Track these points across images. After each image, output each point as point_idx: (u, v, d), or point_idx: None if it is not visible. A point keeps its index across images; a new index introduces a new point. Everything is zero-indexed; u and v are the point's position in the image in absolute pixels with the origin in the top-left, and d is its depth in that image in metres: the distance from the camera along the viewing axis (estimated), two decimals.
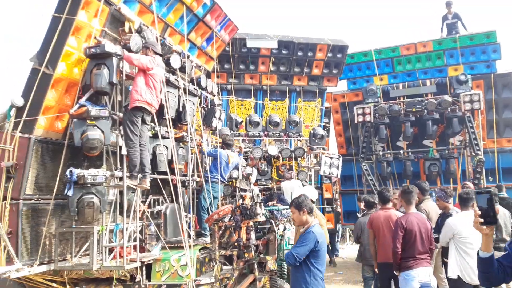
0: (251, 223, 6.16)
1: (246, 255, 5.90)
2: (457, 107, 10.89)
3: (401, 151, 11.79)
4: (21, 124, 5.23)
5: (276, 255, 6.53)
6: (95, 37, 5.58)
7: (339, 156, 9.97)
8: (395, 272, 5.31)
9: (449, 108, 10.96)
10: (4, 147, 5.19)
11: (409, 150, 11.70)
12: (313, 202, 5.98)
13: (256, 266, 5.73)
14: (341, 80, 12.40)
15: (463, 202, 5.22)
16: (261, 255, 6.09)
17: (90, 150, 5.28)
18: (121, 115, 5.82)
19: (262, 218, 6.26)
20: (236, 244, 6.08)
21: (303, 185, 8.96)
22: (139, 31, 6.15)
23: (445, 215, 5.87)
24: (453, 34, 11.86)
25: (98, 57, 5.49)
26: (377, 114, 11.44)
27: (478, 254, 2.44)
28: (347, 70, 12.47)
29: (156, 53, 5.83)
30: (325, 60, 11.01)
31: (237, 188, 8.01)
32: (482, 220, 2.33)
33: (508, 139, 11.50)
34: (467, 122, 10.82)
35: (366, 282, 7.13)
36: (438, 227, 5.85)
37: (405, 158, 11.55)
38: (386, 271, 5.72)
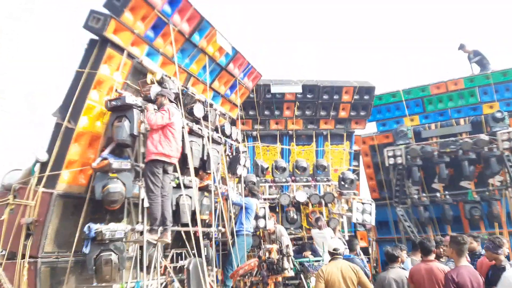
0: (279, 279, 5.78)
1: None
2: (494, 146, 10.26)
3: (438, 194, 11.09)
4: (44, 179, 5.21)
5: None
6: (116, 90, 5.61)
7: (372, 202, 9.44)
8: None
9: (486, 148, 10.35)
10: (26, 203, 5.15)
11: (446, 192, 11.00)
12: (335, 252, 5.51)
13: None
14: (369, 122, 12.05)
15: None
16: None
17: (111, 203, 5.17)
18: (144, 166, 5.72)
19: (291, 273, 5.87)
20: None
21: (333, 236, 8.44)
22: (161, 82, 6.17)
23: (496, 267, 5.30)
24: (485, 70, 11.44)
25: (119, 110, 5.51)
26: (409, 156, 10.94)
27: None
28: (375, 111, 12.12)
29: (171, 101, 5.79)
30: (351, 102, 10.78)
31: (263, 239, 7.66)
32: None
33: None
34: (506, 161, 10.15)
35: None
36: (489, 281, 5.28)
37: (443, 202, 10.84)
38: None
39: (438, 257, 5.97)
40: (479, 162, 10.71)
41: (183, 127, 5.99)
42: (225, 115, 8.42)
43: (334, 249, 5.50)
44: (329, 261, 5.58)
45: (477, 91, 11.25)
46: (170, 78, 6.40)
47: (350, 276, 5.25)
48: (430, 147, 10.83)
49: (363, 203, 9.13)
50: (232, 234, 7.00)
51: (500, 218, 10.33)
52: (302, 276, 6.27)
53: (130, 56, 5.82)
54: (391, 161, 11.02)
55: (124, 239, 5.24)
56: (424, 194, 11.27)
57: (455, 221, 10.85)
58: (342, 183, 9.45)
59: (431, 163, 11.00)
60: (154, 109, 5.72)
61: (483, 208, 10.43)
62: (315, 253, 8.45)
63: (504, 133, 10.17)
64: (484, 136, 10.42)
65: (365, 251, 10.97)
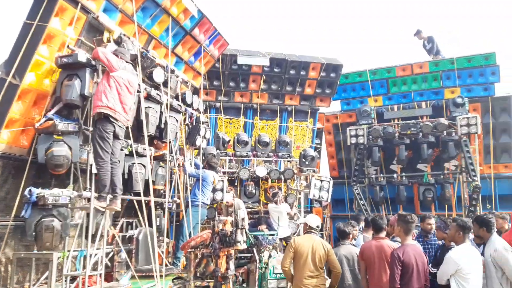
0: (231, 252, 5.70)
1: (223, 287, 5.41)
2: (453, 130, 10.54)
3: (395, 175, 11.37)
4: None
5: (258, 286, 6.05)
6: (68, 46, 5.20)
7: (330, 179, 9.52)
8: None
9: (445, 132, 10.61)
10: None
11: (403, 174, 11.29)
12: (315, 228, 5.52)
13: None
14: (334, 101, 12.04)
15: (463, 232, 4.76)
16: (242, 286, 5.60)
17: (55, 167, 4.85)
18: (92, 130, 5.39)
19: (243, 246, 5.81)
20: (213, 274, 5.61)
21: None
22: (118, 42, 5.78)
23: (445, 247, 5.41)
24: (439, 57, 11.65)
25: (70, 67, 5.12)
26: (370, 136, 11.07)
27: None
28: (340, 90, 12.12)
29: (127, 62, 5.42)
30: (318, 79, 10.68)
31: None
32: None
33: (505, 165, 11.08)
34: (463, 146, 10.46)
35: None
36: (437, 261, 5.39)
37: (399, 183, 11.14)
38: None
39: (388, 236, 6.05)
40: (438, 145, 11.00)
41: (139, 91, 5.65)
42: (187, 83, 8.11)
43: (317, 226, 5.54)
44: (304, 233, 5.61)
45: (440, 75, 11.43)
46: (129, 38, 6.00)
47: (320, 253, 5.28)
48: (391, 128, 10.99)
49: (321, 181, 9.17)
50: (186, 205, 6.84)
51: (451, 201, 10.71)
52: (254, 249, 6.23)
53: (85, 10, 5.37)
54: (353, 140, 11.12)
55: (69, 205, 4.96)
56: (381, 175, 11.52)
57: (408, 202, 11.18)
58: (303, 160, 9.43)
59: (392, 145, 11.20)
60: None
61: (436, 191, 10.78)
62: (270, 227, 8.46)
63: (463, 118, 10.42)
64: (444, 120, 10.66)
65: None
